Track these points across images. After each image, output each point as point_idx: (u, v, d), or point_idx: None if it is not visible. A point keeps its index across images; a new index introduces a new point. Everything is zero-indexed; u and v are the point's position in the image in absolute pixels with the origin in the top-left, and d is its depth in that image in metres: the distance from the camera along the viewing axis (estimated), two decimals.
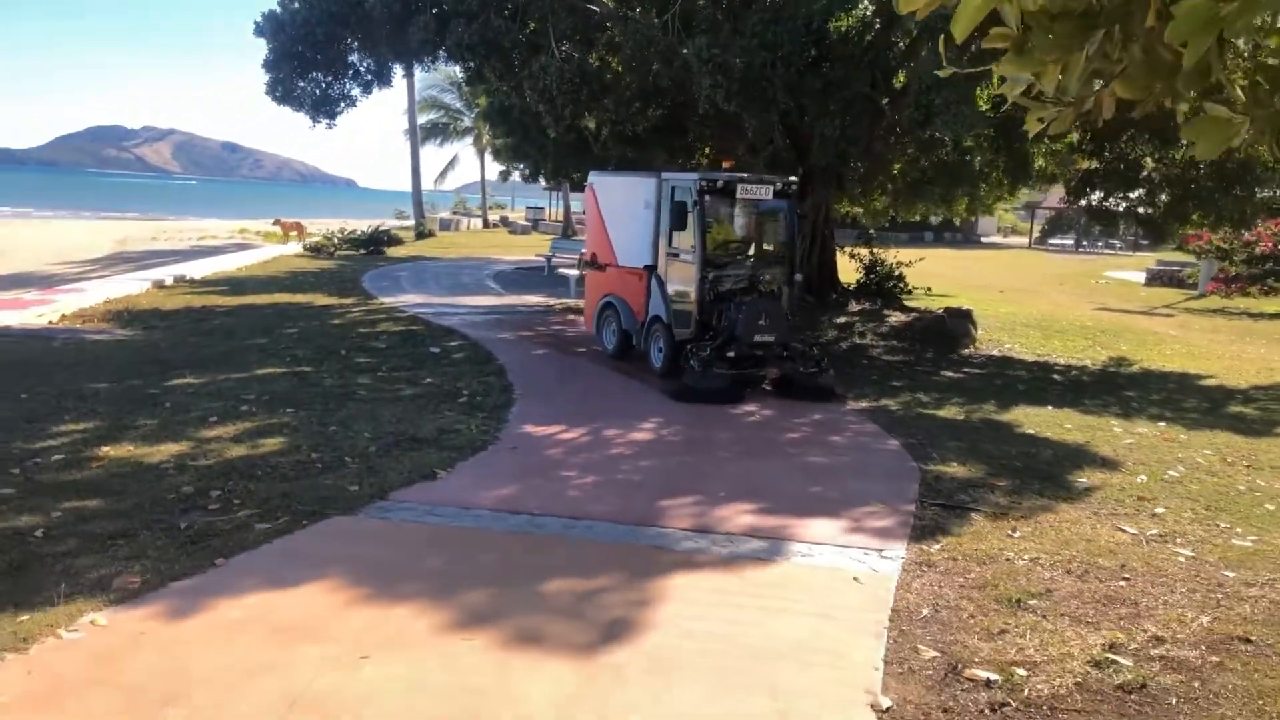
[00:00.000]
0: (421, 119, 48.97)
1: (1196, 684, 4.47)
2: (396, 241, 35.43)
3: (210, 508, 6.70)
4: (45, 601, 5.04)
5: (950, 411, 11.31)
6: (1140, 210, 16.79)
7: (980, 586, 5.71)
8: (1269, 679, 4.53)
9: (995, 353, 16.45)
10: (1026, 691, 4.38)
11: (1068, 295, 29.35)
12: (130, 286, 18.81)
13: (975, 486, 8.00)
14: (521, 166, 26.96)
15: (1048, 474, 8.48)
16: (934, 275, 30.74)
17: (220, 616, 4.97)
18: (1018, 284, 32.05)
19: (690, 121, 16.93)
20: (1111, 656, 4.73)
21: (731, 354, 11.33)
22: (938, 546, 6.44)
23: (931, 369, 14.45)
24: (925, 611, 5.35)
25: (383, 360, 12.81)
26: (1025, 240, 65.35)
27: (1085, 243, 59.76)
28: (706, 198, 11.94)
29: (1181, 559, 6.31)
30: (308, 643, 4.70)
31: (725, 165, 13.25)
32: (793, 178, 12.54)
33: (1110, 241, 56.26)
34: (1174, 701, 4.31)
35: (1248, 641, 4.95)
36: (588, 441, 9.14)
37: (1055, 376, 14.56)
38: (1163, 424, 11.11)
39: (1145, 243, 33.73)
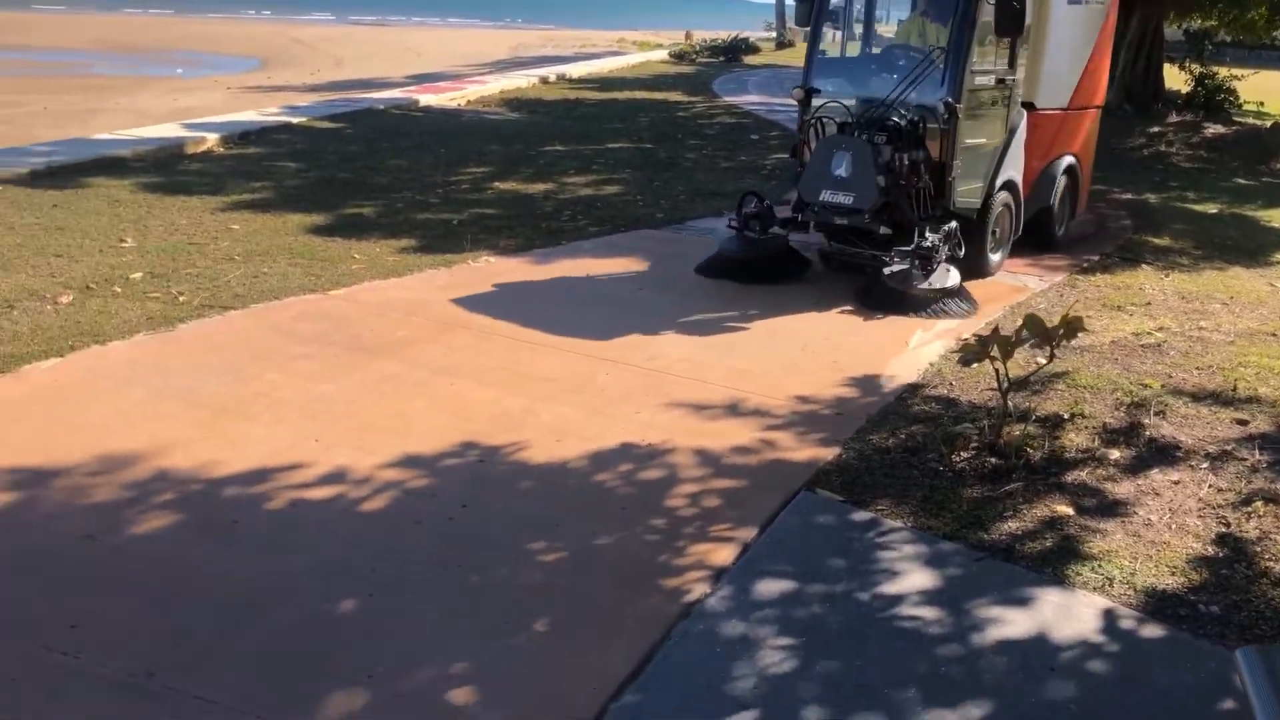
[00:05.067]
0: None
1: (1199, 347, 6.24)
2: (754, 50, 37.45)
3: (563, 219, 9.69)
4: (460, 250, 8.18)
5: (1208, 207, 12.27)
6: None
7: (1099, 299, 7.53)
8: (1260, 349, 6.21)
9: None
10: (1073, 343, 6.34)
11: None
12: (520, 81, 22.51)
13: (1169, 252, 9.43)
14: None
15: (1247, 250, 9.68)
16: None
17: (559, 265, 7.92)
18: None
19: None
20: (1151, 331, 6.56)
21: (799, 218, 7.72)
22: (1092, 279, 8.20)
23: (1224, 177, 14.99)
24: (1042, 305, 7.31)
25: (709, 143, 15.41)
26: None
27: None
28: None
29: None
30: (608, 277, 7.52)
31: None
32: None
33: None
34: (1173, 354, 6.14)
35: (1273, 335, 6.56)
36: None
37: None
38: None
39: None
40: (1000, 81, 7.76)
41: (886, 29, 8.91)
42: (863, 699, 3.13)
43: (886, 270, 7.10)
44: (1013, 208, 8.23)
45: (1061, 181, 8.95)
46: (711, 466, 4.56)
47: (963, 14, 7.38)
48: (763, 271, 7.68)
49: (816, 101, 7.91)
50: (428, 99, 17.84)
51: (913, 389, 5.57)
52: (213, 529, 3.99)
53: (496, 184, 11.26)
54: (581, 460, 4.57)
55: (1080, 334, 6.00)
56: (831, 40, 8.62)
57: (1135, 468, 4.62)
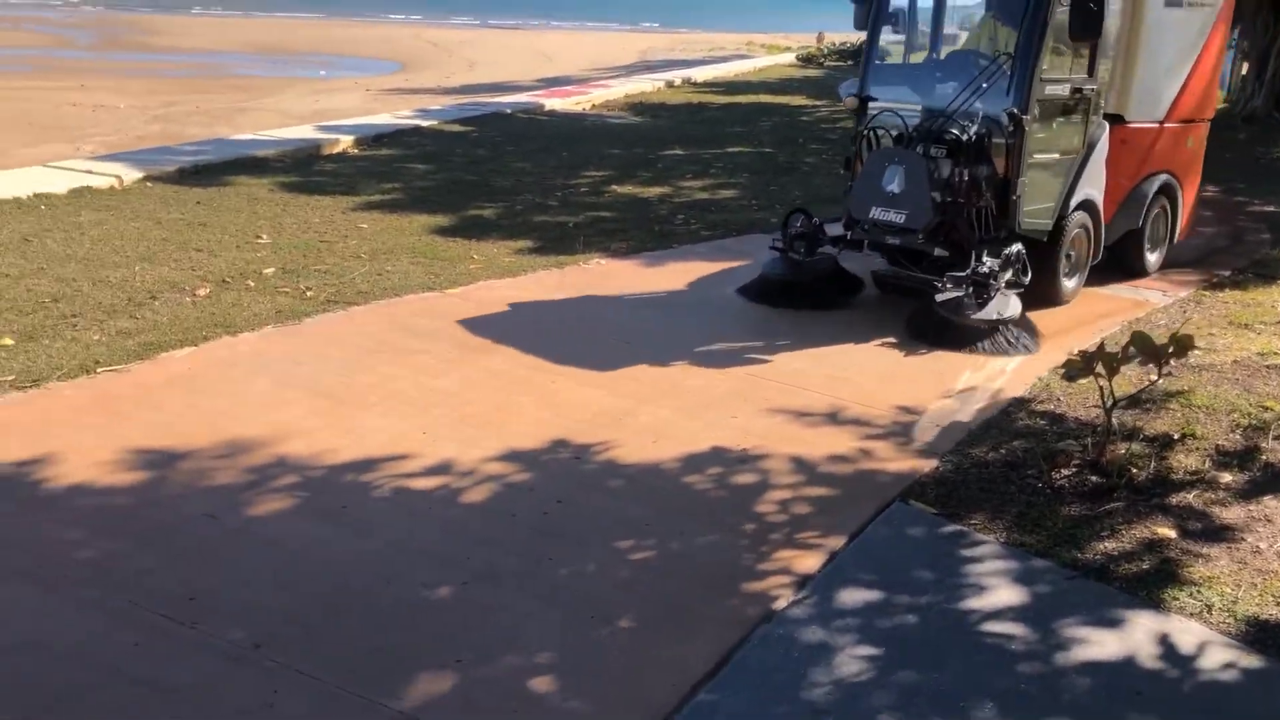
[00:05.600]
0: None
1: None
2: None
3: (676, 223, 9.80)
4: (573, 252, 8.37)
5: None
6: None
7: (1225, 316, 7.26)
8: None
9: None
10: (1191, 359, 6.14)
11: None
12: (645, 85, 22.72)
13: None
14: None
15: None
16: None
17: (668, 266, 8.05)
18: None
19: None
20: (1279, 351, 6.30)
21: (849, 237, 7.14)
22: (1220, 295, 7.90)
23: None
24: (1163, 321, 7.09)
25: (830, 147, 15.30)
26: None
27: None
28: None
29: None
30: (714, 280, 7.60)
31: None
32: None
33: None
34: None
35: None
36: None
37: None
38: None
39: None
40: (1077, 91, 7.01)
41: (953, 33, 8.15)
42: (939, 710, 3.14)
43: (938, 297, 6.50)
44: (1091, 230, 7.49)
45: (1155, 203, 8.12)
46: (805, 473, 4.60)
47: (1032, 16, 6.61)
48: (806, 296, 7.16)
49: (871, 110, 7.29)
50: (553, 103, 18.18)
51: (1019, 403, 5.50)
52: (324, 514, 4.22)
53: (614, 187, 11.45)
54: (675, 462, 4.67)
55: (1198, 352, 5.85)
56: (896, 45, 7.94)
57: (1248, 492, 4.48)
